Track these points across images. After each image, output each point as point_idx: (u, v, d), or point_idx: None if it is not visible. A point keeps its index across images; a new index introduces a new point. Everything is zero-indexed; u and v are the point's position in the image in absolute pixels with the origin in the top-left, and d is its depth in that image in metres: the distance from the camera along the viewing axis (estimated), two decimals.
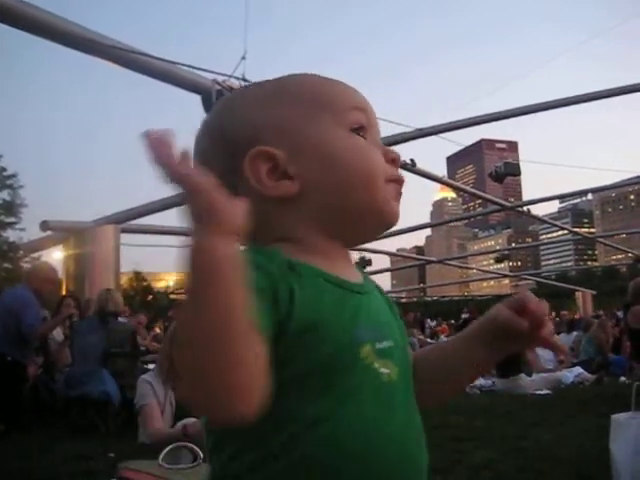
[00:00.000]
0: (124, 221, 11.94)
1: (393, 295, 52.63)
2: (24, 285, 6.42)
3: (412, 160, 13.62)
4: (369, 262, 23.87)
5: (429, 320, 24.12)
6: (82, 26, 6.95)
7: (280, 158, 0.92)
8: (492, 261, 33.43)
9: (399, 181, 1.00)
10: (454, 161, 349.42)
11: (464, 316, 19.24)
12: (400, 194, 1.00)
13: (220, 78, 8.84)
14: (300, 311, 0.82)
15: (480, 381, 9.36)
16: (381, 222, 0.99)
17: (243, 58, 9.06)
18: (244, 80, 9.32)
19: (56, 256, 14.90)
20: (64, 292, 10.32)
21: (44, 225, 11.32)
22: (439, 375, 1.05)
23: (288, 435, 0.81)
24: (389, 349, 0.92)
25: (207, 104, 8.37)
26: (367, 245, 23.48)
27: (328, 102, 0.98)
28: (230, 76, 9.09)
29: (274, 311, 0.79)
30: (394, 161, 1.00)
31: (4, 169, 28.54)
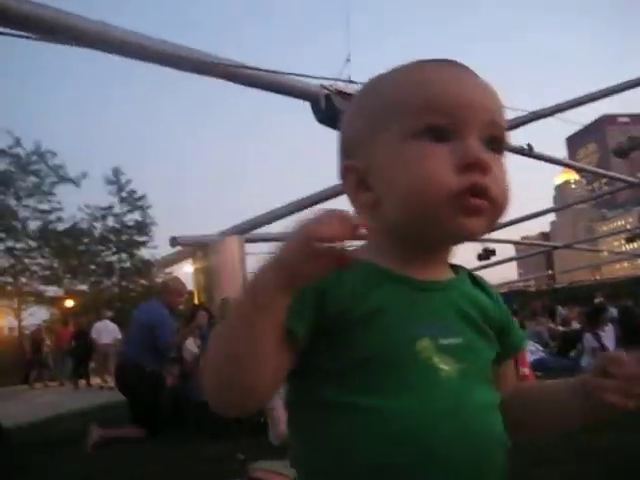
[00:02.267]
0: (248, 231, 12.32)
1: (520, 284, 51.07)
2: (157, 300, 6.80)
3: (529, 145, 13.19)
4: (493, 252, 23.30)
5: (560, 307, 23.17)
6: (190, 48, 7.24)
7: (361, 171, 0.95)
8: (623, 241, 31.58)
9: (474, 191, 0.87)
10: (574, 141, 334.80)
11: (597, 301, 18.35)
12: (474, 206, 0.88)
13: (327, 82, 8.97)
14: (342, 307, 0.88)
15: None
16: (450, 239, 0.96)
17: (348, 60, 9.17)
18: (351, 82, 9.39)
19: (186, 269, 15.61)
20: (196, 303, 10.82)
21: (173, 241, 11.87)
22: (529, 418, 1.04)
23: (330, 426, 0.87)
24: (454, 346, 0.92)
25: (316, 110, 8.50)
26: (490, 235, 22.93)
27: (397, 108, 0.92)
28: (337, 79, 9.21)
29: (307, 312, 0.87)
30: (469, 166, 0.87)
31: (134, 192, 30.07)
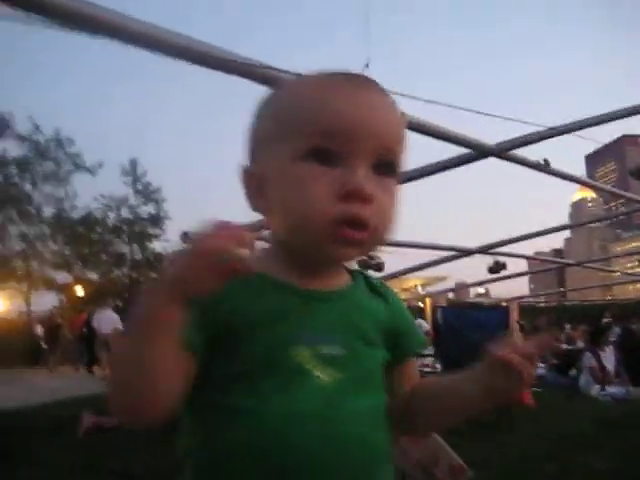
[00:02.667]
0: (260, 229, 12.30)
1: (531, 299, 50.59)
2: None
3: (545, 160, 13.10)
4: (503, 266, 23.13)
5: (567, 325, 23.03)
6: (213, 45, 7.29)
7: (259, 178, 0.97)
8: (637, 263, 31.29)
9: (351, 222, 0.88)
10: (593, 159, 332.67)
11: (605, 320, 18.23)
12: (352, 239, 0.90)
13: None
14: (230, 316, 0.92)
15: (613, 389, 8.92)
16: (325, 259, 0.97)
17: (366, 66, 9.20)
18: None
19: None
20: None
21: (184, 236, 11.90)
22: (435, 407, 1.06)
23: (216, 426, 0.91)
24: (335, 356, 0.94)
25: None
26: (502, 249, 22.79)
27: (291, 125, 0.93)
28: None
29: (202, 323, 0.90)
30: (350, 195, 0.88)
31: (149, 184, 30.22)
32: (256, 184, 0.98)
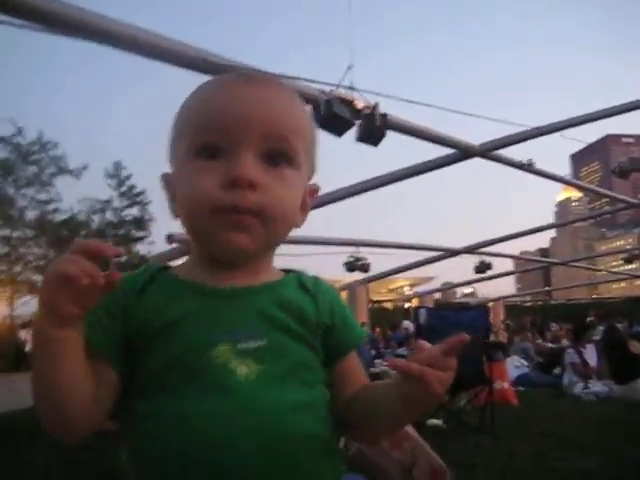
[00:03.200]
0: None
1: (517, 299, 50.99)
2: None
3: (529, 160, 13.24)
4: (489, 266, 23.30)
5: (553, 324, 23.20)
6: (194, 47, 7.28)
7: (171, 182, 1.02)
8: (621, 262, 31.56)
9: (235, 209, 0.91)
10: (578, 159, 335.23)
11: (589, 319, 18.38)
12: (237, 222, 0.91)
13: (328, 89, 9.01)
14: (144, 320, 0.94)
15: (596, 387, 8.96)
16: (220, 250, 0.97)
17: (349, 68, 9.22)
18: (351, 89, 9.45)
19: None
20: None
21: (170, 238, 11.90)
22: (364, 419, 1.03)
23: (139, 432, 0.91)
24: (255, 349, 0.94)
25: (317, 115, 8.55)
26: (488, 248, 23.01)
27: (188, 124, 0.98)
28: (338, 86, 9.26)
29: (113, 329, 0.94)
30: (233, 184, 0.91)
31: (134, 187, 30.06)
32: (170, 189, 1.02)
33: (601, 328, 15.06)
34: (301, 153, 0.99)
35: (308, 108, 1.07)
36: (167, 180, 1.04)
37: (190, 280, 0.99)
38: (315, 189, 1.10)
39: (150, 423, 0.90)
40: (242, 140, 0.92)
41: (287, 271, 1.10)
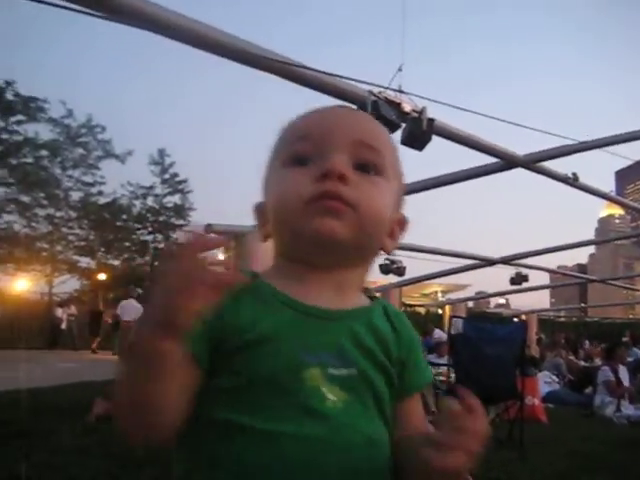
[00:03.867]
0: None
1: (551, 313, 50.18)
2: None
3: (574, 174, 13.01)
4: (525, 278, 23.00)
5: (586, 342, 22.83)
6: (241, 39, 7.31)
7: (263, 207, 1.02)
8: None
9: (325, 195, 0.90)
10: (623, 176, 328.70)
11: (624, 339, 18.02)
12: (328, 207, 0.90)
13: (376, 89, 8.97)
14: (238, 329, 0.90)
15: (629, 410, 8.78)
16: (311, 241, 0.93)
17: (399, 70, 9.16)
18: (400, 92, 9.38)
19: (219, 257, 15.76)
20: None
21: (208, 228, 11.98)
22: (403, 465, 0.97)
23: (215, 442, 0.88)
24: (345, 377, 0.91)
25: None
26: (525, 260, 22.66)
27: (281, 142, 1.02)
28: (387, 88, 9.21)
29: (204, 332, 0.88)
30: (324, 176, 0.91)
31: (176, 174, 30.43)
32: (263, 215, 1.02)
33: (636, 350, 14.78)
34: (390, 167, 0.99)
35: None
36: (258, 206, 1.04)
37: (284, 292, 0.96)
38: (405, 220, 1.06)
39: (232, 435, 0.87)
40: (332, 145, 0.94)
41: (371, 297, 1.06)
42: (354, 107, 1.04)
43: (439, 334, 18.74)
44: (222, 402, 0.89)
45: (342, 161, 0.93)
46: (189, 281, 0.74)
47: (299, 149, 0.96)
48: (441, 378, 7.27)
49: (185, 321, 0.76)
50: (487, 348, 6.04)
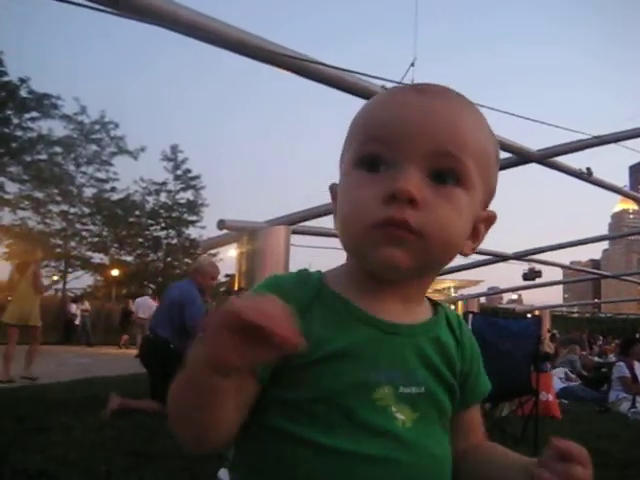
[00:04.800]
0: (295, 223, 12.41)
1: (564, 309, 50.02)
2: (189, 280, 6.86)
3: (588, 169, 12.93)
4: (538, 273, 22.94)
5: (601, 338, 22.73)
6: (256, 35, 7.33)
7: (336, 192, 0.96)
8: None
9: (394, 223, 0.83)
10: (638, 170, 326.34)
11: (638, 335, 17.93)
12: (392, 236, 0.83)
13: (389, 85, 8.96)
14: (307, 342, 0.82)
15: None
16: (375, 268, 0.89)
17: (412, 65, 9.14)
18: None
19: (231, 253, 15.82)
20: (237, 286, 10.96)
21: (221, 224, 12.02)
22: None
23: (276, 453, 0.86)
24: (414, 395, 0.90)
25: None
26: (538, 256, 22.58)
27: (352, 133, 0.93)
28: (399, 83, 9.19)
29: None
30: (393, 198, 0.83)
31: (189, 171, 30.51)
32: (334, 196, 0.97)
33: None
34: (473, 173, 0.88)
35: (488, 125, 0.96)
36: (334, 191, 0.97)
37: (355, 306, 0.91)
38: (492, 216, 0.98)
39: (294, 449, 0.85)
40: (407, 154, 0.85)
41: (433, 302, 1.03)
42: (439, 88, 0.90)
43: None
44: (286, 413, 0.87)
45: (415, 178, 0.84)
46: (243, 327, 0.69)
47: (371, 150, 0.87)
48: None
49: (233, 364, 0.73)
50: (501, 344, 6.01)
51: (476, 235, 0.96)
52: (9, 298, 10.09)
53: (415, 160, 0.85)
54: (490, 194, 0.96)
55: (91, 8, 5.42)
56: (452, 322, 1.02)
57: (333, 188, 0.97)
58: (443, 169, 0.86)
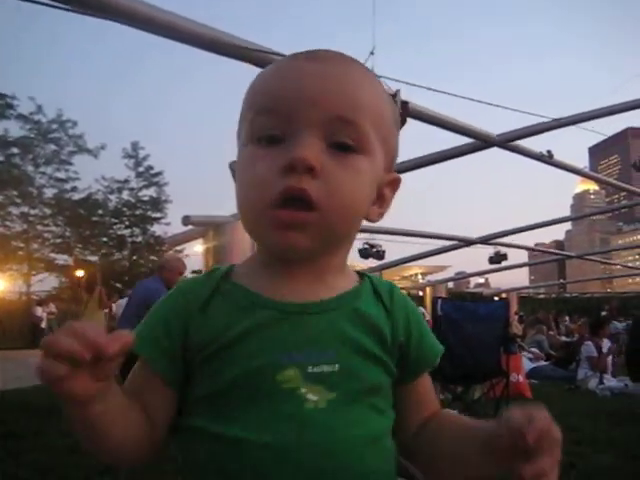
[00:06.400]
0: None
1: (531, 291, 50.77)
2: (156, 276, 6.80)
3: (549, 151, 13.11)
4: (504, 256, 23.20)
5: (567, 317, 23.09)
6: (218, 29, 7.26)
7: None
8: (637, 256, 31.24)
9: (290, 198, 0.80)
10: (597, 152, 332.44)
11: (603, 314, 18.31)
12: (292, 220, 0.81)
13: None
14: (205, 335, 0.86)
15: (611, 383, 8.93)
16: (274, 251, 0.89)
17: (372, 53, 9.14)
18: None
19: (197, 249, 15.71)
20: None
21: (185, 220, 11.91)
22: (431, 456, 0.93)
23: (188, 446, 0.87)
24: (327, 374, 0.85)
25: None
26: (503, 239, 22.85)
27: (248, 106, 0.89)
28: None
29: (172, 347, 0.87)
30: (288, 168, 0.80)
31: (151, 167, 30.15)
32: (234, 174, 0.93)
33: (615, 323, 15.01)
34: (372, 137, 0.86)
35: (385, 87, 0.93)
36: (234, 169, 0.92)
37: (255, 290, 0.89)
38: (396, 179, 0.96)
39: (206, 445, 0.84)
40: (304, 123, 0.82)
41: (360, 274, 0.99)
42: (335, 55, 0.87)
43: (420, 310, 19.14)
44: (199, 410, 0.86)
45: (313, 145, 0.81)
46: (68, 360, 0.68)
47: (267, 124, 0.84)
48: None
49: (83, 397, 0.72)
50: (470, 328, 6.09)
51: (382, 200, 0.94)
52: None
53: (312, 128, 0.82)
54: (392, 156, 0.94)
55: (43, 4, 5.31)
56: (380, 291, 0.96)
57: (233, 166, 0.93)
58: (341, 136, 0.83)
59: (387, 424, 0.91)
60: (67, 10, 5.79)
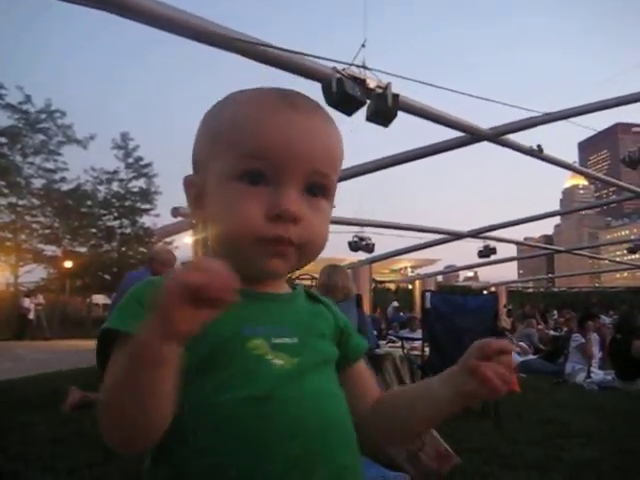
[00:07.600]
0: None
1: (519, 285, 51.01)
2: (146, 268, 6.74)
3: (539, 146, 13.17)
4: (493, 250, 23.33)
5: (555, 311, 23.24)
6: (208, 20, 7.23)
7: (199, 187, 1.01)
8: (625, 252, 31.43)
9: (278, 241, 0.93)
10: (586, 147, 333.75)
11: (591, 308, 18.43)
12: (280, 252, 0.95)
13: (340, 66, 8.95)
14: None
15: (599, 377, 9.00)
16: (257, 275, 1.00)
17: (363, 46, 9.14)
18: (364, 68, 9.38)
19: (186, 240, 15.70)
20: None
21: (175, 211, 11.93)
22: (406, 416, 1.05)
23: (178, 421, 0.86)
24: (289, 345, 0.97)
25: (327, 92, 8.50)
26: (492, 233, 22.96)
27: (227, 143, 0.96)
28: (350, 64, 9.19)
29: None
30: (278, 217, 0.93)
31: (141, 158, 30.03)
32: (195, 194, 1.02)
33: (603, 317, 15.11)
34: (334, 186, 1.03)
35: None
36: (191, 183, 1.03)
37: None
38: None
39: (194, 411, 0.89)
40: (289, 175, 0.94)
41: (293, 286, 1.14)
42: (314, 105, 1.02)
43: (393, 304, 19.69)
44: (182, 383, 0.85)
45: (295, 196, 0.95)
46: (195, 292, 0.71)
47: (252, 166, 0.94)
48: (415, 352, 7.31)
49: (184, 329, 0.74)
50: (459, 321, 6.10)
51: None
52: None
53: (296, 179, 0.95)
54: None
55: None
56: (313, 295, 1.14)
57: (191, 183, 1.04)
58: (316, 185, 0.98)
59: (342, 394, 1.03)
60: None
